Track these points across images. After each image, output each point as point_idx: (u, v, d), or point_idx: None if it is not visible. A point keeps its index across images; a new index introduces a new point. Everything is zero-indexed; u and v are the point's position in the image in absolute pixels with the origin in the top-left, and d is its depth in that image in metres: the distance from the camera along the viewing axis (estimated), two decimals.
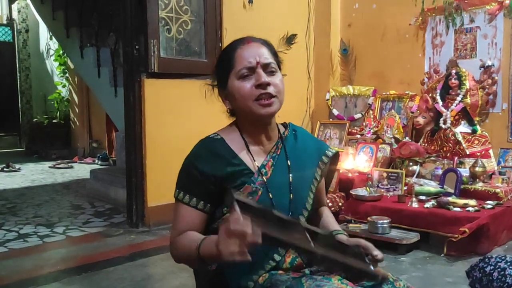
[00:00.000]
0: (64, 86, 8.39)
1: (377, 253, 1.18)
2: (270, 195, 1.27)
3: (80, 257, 3.01)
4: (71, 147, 8.31)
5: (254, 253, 1.01)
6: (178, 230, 1.25)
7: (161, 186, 3.56)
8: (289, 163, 1.33)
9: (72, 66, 7.68)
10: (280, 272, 1.24)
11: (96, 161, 7.18)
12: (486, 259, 1.64)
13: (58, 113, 8.42)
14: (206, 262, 1.14)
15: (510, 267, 1.57)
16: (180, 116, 3.71)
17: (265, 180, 1.28)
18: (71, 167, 7.01)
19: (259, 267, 1.24)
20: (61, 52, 7.97)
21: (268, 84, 1.25)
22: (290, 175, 1.31)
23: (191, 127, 3.64)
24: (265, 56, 1.27)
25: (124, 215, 3.85)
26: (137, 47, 3.52)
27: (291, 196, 1.30)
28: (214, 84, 1.35)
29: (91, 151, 7.98)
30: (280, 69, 1.32)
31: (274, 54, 1.31)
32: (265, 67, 1.26)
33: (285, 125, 1.42)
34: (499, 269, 1.56)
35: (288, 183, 1.31)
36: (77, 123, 8.29)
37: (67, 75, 8.30)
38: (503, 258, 1.61)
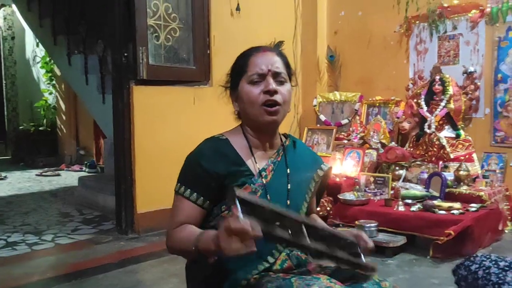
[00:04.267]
0: (50, 93, 8.33)
1: (368, 241, 1.30)
2: (268, 197, 1.31)
3: (70, 265, 3.00)
4: (58, 155, 8.24)
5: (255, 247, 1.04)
6: (176, 223, 1.29)
7: (150, 192, 3.57)
8: (288, 171, 1.38)
9: (59, 73, 7.64)
10: (271, 273, 1.28)
11: (84, 168, 7.14)
12: (472, 258, 1.68)
13: (45, 120, 8.34)
14: (204, 255, 1.18)
15: (495, 265, 1.62)
16: (169, 123, 3.72)
17: (265, 182, 1.33)
18: (58, 175, 6.96)
19: (253, 267, 1.27)
20: (47, 59, 7.91)
21: (276, 91, 1.30)
22: (289, 183, 1.36)
23: (180, 134, 3.66)
24: (277, 65, 1.33)
25: (113, 222, 3.84)
26: (125, 54, 3.53)
27: (288, 202, 1.35)
28: (227, 86, 1.41)
29: (78, 158, 7.92)
30: (290, 80, 1.38)
31: (287, 65, 1.37)
32: (275, 75, 1.32)
33: (285, 135, 1.48)
34: (484, 268, 1.61)
35: (286, 190, 1.36)
36: (64, 131, 8.22)
37: (53, 82, 8.24)
38: (487, 257, 1.65)
